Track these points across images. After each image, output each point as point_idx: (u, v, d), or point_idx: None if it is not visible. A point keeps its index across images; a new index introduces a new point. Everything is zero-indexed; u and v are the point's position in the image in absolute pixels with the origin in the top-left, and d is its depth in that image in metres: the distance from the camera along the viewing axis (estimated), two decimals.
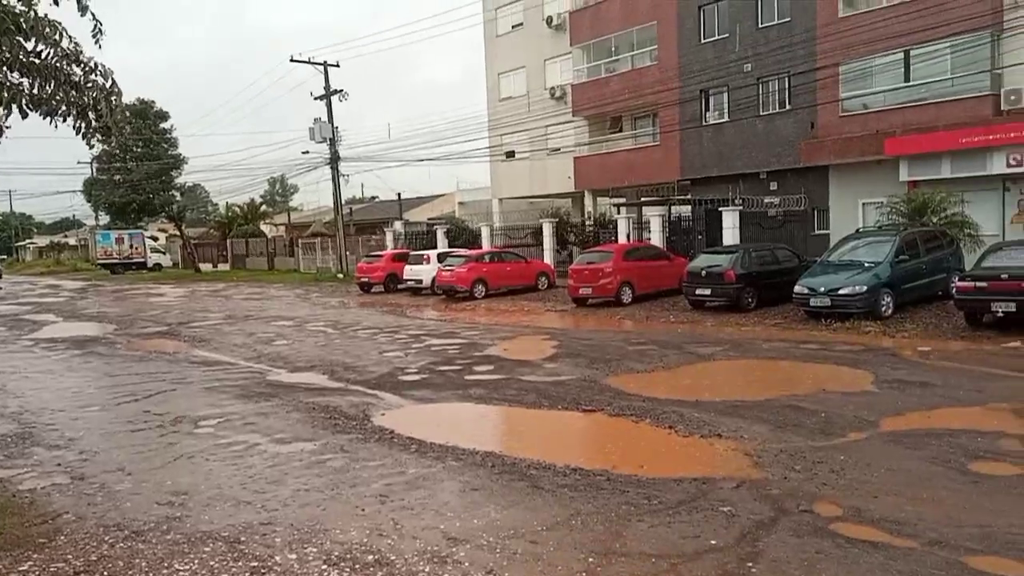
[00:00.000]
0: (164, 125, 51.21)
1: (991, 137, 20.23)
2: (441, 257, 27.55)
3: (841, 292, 15.75)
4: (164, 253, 60.93)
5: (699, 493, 6.30)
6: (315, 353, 14.88)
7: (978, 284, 13.88)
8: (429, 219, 42.37)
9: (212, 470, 7.35)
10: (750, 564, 4.95)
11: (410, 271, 28.12)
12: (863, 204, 23.81)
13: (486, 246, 31.16)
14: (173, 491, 6.71)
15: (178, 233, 57.52)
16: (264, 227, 62.10)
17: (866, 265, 16.17)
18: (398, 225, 38.36)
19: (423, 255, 28.67)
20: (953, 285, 14.85)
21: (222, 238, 57.50)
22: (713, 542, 5.31)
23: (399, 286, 28.89)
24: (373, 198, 74.24)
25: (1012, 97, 20.22)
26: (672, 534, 5.47)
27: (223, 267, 54.17)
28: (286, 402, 10.29)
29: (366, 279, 30.05)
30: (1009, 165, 20.14)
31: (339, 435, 8.47)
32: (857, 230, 19.69)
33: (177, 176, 52.41)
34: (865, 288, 15.60)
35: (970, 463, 6.86)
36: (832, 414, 8.73)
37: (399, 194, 51.16)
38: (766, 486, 6.42)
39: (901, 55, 22.30)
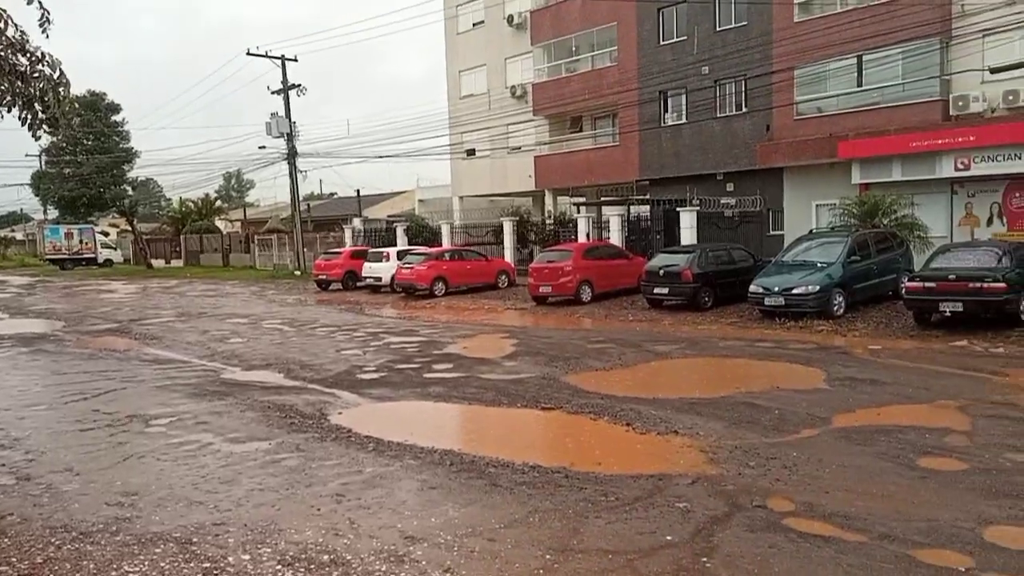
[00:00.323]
0: (116, 118, 50.07)
1: (940, 141, 20.81)
2: (401, 254, 27.38)
3: (795, 292, 16.05)
4: (115, 249, 59.47)
5: (655, 489, 6.36)
6: (271, 351, 14.67)
7: (927, 284, 14.26)
8: (389, 216, 42.08)
9: (163, 470, 7.19)
10: (704, 559, 5.01)
11: (369, 268, 27.89)
12: (817, 205, 24.30)
13: (446, 244, 31.07)
14: (123, 491, 6.55)
15: (130, 228, 56.22)
16: (219, 223, 61.10)
17: (819, 265, 16.50)
18: (357, 222, 38.02)
19: (383, 252, 28.46)
20: (903, 285, 15.23)
21: (175, 234, 56.40)
22: (669, 538, 5.36)
23: (358, 284, 28.65)
24: (332, 194, 73.53)
25: (960, 103, 20.81)
26: (628, 530, 5.51)
27: (176, 263, 53.12)
28: (240, 401, 10.13)
29: (324, 276, 29.74)
30: (957, 169, 20.74)
31: (295, 434, 8.36)
32: (810, 231, 20.11)
33: (129, 170, 51.27)
34: (818, 288, 15.93)
35: (918, 459, 7.04)
36: (785, 411, 8.89)
37: (358, 191, 50.72)
38: (721, 482, 6.51)
39: (854, 60, 22.80)
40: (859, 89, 23.03)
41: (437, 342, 15.28)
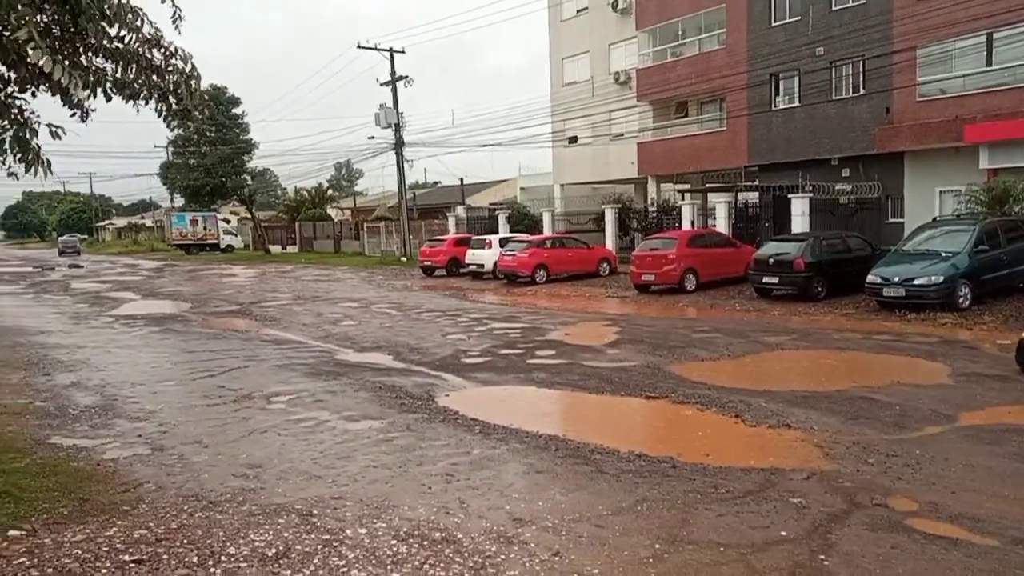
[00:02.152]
0: (236, 111, 52.57)
1: None
2: (503, 242, 27.62)
3: (916, 282, 15.22)
4: (236, 235, 62.68)
5: (768, 483, 6.19)
6: (380, 334, 15.13)
7: None
8: (491, 204, 42.50)
9: (284, 444, 7.55)
10: (822, 557, 4.85)
11: (472, 255, 28.29)
12: (940, 192, 22.91)
13: (547, 231, 31.11)
14: (248, 464, 6.92)
15: (249, 216, 59.05)
16: (331, 211, 63.26)
17: (943, 255, 15.59)
18: (460, 210, 38.60)
19: (485, 240, 28.79)
20: None
21: (291, 221, 58.77)
22: (783, 533, 5.22)
23: (461, 270, 29.12)
24: (436, 183, 74.84)
25: None
26: (741, 523, 5.40)
27: (291, 249, 55.42)
28: (354, 381, 10.50)
29: (429, 263, 30.39)
30: None
31: (405, 414, 8.61)
32: (934, 219, 18.97)
33: (248, 160, 53.82)
34: (942, 278, 15.05)
35: None
36: (907, 407, 8.46)
37: (461, 179, 51.44)
38: (838, 478, 6.28)
39: (983, 38, 21.31)
40: (988, 69, 21.51)
41: (539, 328, 15.36)
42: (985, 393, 9.11)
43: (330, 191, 68.13)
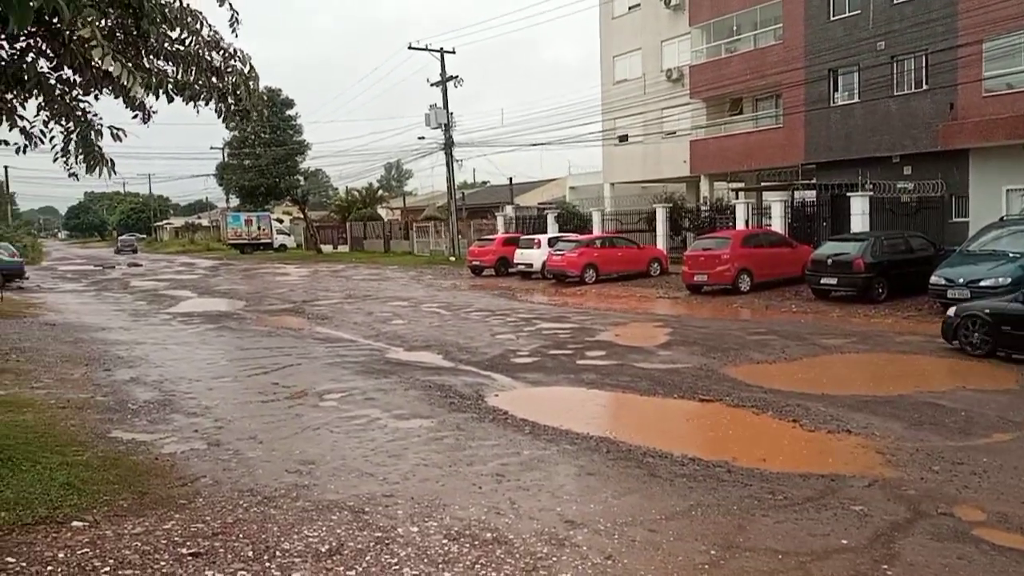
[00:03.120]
0: (290, 112, 53.48)
1: None
2: (552, 242, 27.53)
3: (983, 284, 14.64)
4: (289, 234, 63.81)
5: (827, 490, 6.01)
6: (430, 333, 15.20)
7: None
8: (540, 203, 42.43)
9: (336, 442, 7.62)
10: (885, 567, 4.68)
11: (521, 255, 28.26)
12: (1007, 191, 22.04)
13: (597, 231, 30.91)
14: (301, 460, 6.99)
15: (302, 215, 60.06)
16: (381, 211, 63.93)
17: (1011, 256, 14.98)
18: (509, 209, 38.62)
19: (534, 239, 28.73)
20: None
21: (342, 221, 59.58)
22: (844, 542, 5.05)
23: (509, 270, 29.11)
24: (485, 183, 75.03)
25: None
26: (799, 531, 5.24)
27: (342, 249, 56.19)
28: (404, 379, 10.56)
29: (477, 262, 30.46)
30: None
31: (455, 413, 8.61)
32: (1001, 218, 18.24)
33: (301, 161, 54.73)
34: (1010, 280, 14.43)
35: None
36: (973, 413, 8.15)
37: (510, 179, 51.49)
38: (901, 486, 6.06)
39: None
40: None
41: (588, 329, 15.25)
42: None
43: (380, 191, 68.85)
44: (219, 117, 6.76)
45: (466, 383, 10.28)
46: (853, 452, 7.04)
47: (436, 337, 14.63)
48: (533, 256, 27.63)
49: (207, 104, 6.85)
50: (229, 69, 6.83)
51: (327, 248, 56.79)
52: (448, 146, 39.96)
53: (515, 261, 28.55)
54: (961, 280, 14.94)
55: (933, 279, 15.43)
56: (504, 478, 6.38)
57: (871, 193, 22.22)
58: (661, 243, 28.98)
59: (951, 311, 12.35)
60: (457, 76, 39.40)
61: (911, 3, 23.67)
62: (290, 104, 53.56)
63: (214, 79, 6.88)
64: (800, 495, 5.91)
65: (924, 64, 23.60)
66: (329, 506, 5.80)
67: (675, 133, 32.96)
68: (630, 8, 35.71)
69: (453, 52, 40.17)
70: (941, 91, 23.04)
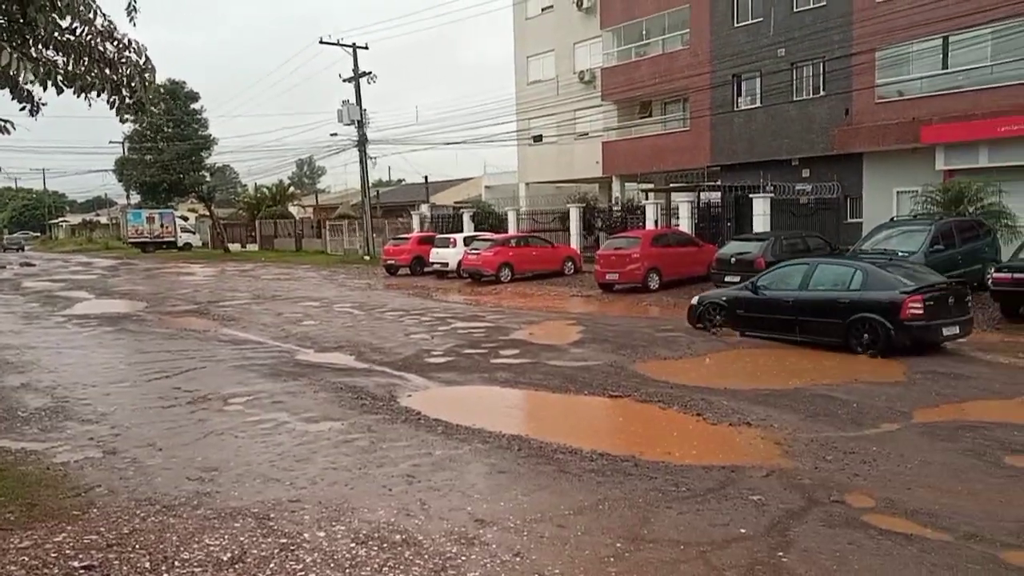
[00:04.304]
0: (195, 106, 51.62)
1: None
2: (467, 240, 27.52)
3: None
4: (193, 233, 61.61)
5: (728, 481, 6.24)
6: (342, 334, 14.96)
7: (1015, 275, 13.60)
8: (456, 202, 42.35)
9: (241, 447, 7.41)
10: (780, 553, 4.89)
11: (436, 254, 28.15)
12: (897, 193, 23.34)
13: (512, 230, 31.09)
14: (203, 467, 6.77)
15: (207, 213, 58.09)
16: (292, 208, 62.48)
17: (900, 255, 15.87)
18: (425, 208, 38.40)
19: (449, 238, 28.67)
20: (989, 276, 14.54)
21: (250, 219, 57.95)
22: (743, 530, 5.25)
23: (425, 269, 28.97)
24: (400, 181, 74.47)
25: None
26: (701, 521, 5.42)
27: (252, 247, 54.65)
28: (314, 382, 10.36)
29: (393, 261, 30.18)
30: None
31: (366, 415, 8.50)
32: (891, 219, 19.33)
33: (207, 156, 52.85)
34: None
35: (1006, 456, 6.75)
36: (864, 404, 8.61)
37: (426, 177, 51.24)
38: (797, 475, 6.35)
39: (939, 41, 21.77)
40: (944, 71, 22.00)
41: (503, 328, 15.33)
42: (940, 390, 9.30)
43: (292, 188, 67.31)
44: (112, 110, 6.47)
45: (379, 384, 10.17)
46: (753, 444, 7.32)
47: (348, 338, 14.41)
48: (449, 255, 27.56)
49: (99, 96, 6.55)
50: (123, 60, 6.55)
51: (235, 247, 55.12)
52: (362, 143, 39.40)
53: (431, 260, 28.42)
54: None
55: None
56: (415, 479, 6.35)
57: (772, 195, 23.17)
58: (575, 242, 29.38)
59: (695, 299, 14.74)
60: (371, 72, 38.92)
61: (810, 12, 24.77)
62: (195, 97, 51.68)
63: (107, 70, 6.59)
64: (702, 486, 6.11)
65: (822, 71, 24.73)
66: (232, 513, 5.64)
67: (588, 134, 33.46)
68: (543, 9, 36.04)
69: (366, 48, 39.79)
70: (837, 97, 24.21)
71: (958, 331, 11.87)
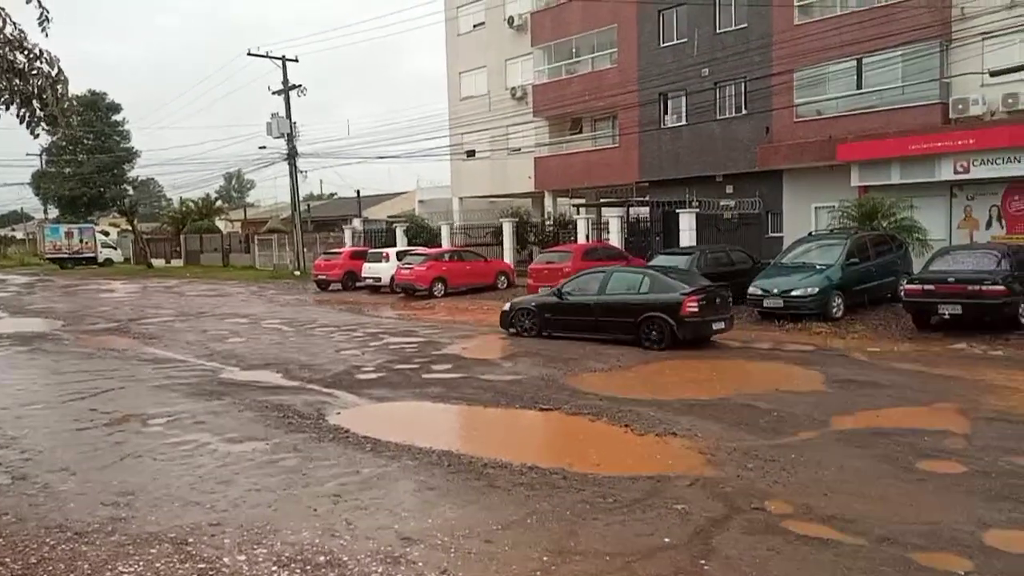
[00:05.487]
0: (116, 117, 50.09)
1: (939, 144, 20.77)
2: (400, 255, 27.35)
3: (793, 294, 16.03)
4: (115, 248, 59.43)
5: (654, 491, 6.34)
6: (270, 351, 14.65)
7: (926, 287, 14.26)
8: (389, 217, 42.05)
9: (160, 470, 7.16)
10: (703, 562, 4.99)
11: (369, 269, 27.87)
12: (816, 208, 24.27)
13: (446, 245, 31.05)
14: (119, 491, 6.52)
15: (130, 228, 56.18)
16: (219, 223, 61.03)
17: (818, 267, 16.49)
18: (357, 222, 38.00)
19: (382, 253, 28.43)
20: (902, 288, 15.21)
21: (176, 233, 56.34)
22: (667, 540, 5.34)
23: (357, 284, 28.63)
24: (332, 195, 73.61)
25: (960, 106, 20.79)
26: (627, 532, 5.49)
27: (176, 263, 53.06)
28: (238, 401, 10.10)
29: (324, 276, 29.72)
30: (956, 172, 20.71)
31: (293, 434, 8.33)
32: (809, 233, 20.08)
33: (130, 169, 51.32)
34: (817, 290, 15.91)
35: (917, 461, 7.03)
36: (784, 413, 8.87)
37: (358, 191, 50.73)
38: (720, 484, 6.49)
39: (854, 63, 22.79)
40: (858, 92, 23.03)
41: (436, 343, 15.26)
42: (856, 399, 9.66)
43: (219, 202, 65.78)
44: (21, 123, 6.24)
45: (306, 402, 9.98)
46: (678, 453, 7.47)
47: (276, 355, 14.12)
48: (382, 270, 27.32)
49: (8, 108, 6.31)
50: (34, 71, 6.33)
51: (159, 263, 53.41)
52: (291, 156, 38.76)
53: (363, 275, 28.12)
54: (775, 290, 16.27)
55: (751, 289, 16.70)
56: (341, 498, 6.25)
57: (698, 210, 23.79)
58: (508, 257, 29.52)
59: (506, 305, 16.45)
60: (301, 85, 38.37)
61: (732, 34, 25.62)
62: (117, 108, 50.17)
63: (17, 81, 6.36)
64: (629, 497, 6.19)
65: (744, 91, 25.58)
66: (148, 539, 5.44)
67: (520, 150, 33.72)
68: (475, 26, 36.26)
69: (295, 60, 39.22)
70: (758, 116, 25.05)
71: (724, 326, 14.21)
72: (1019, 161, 19.65)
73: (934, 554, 5.06)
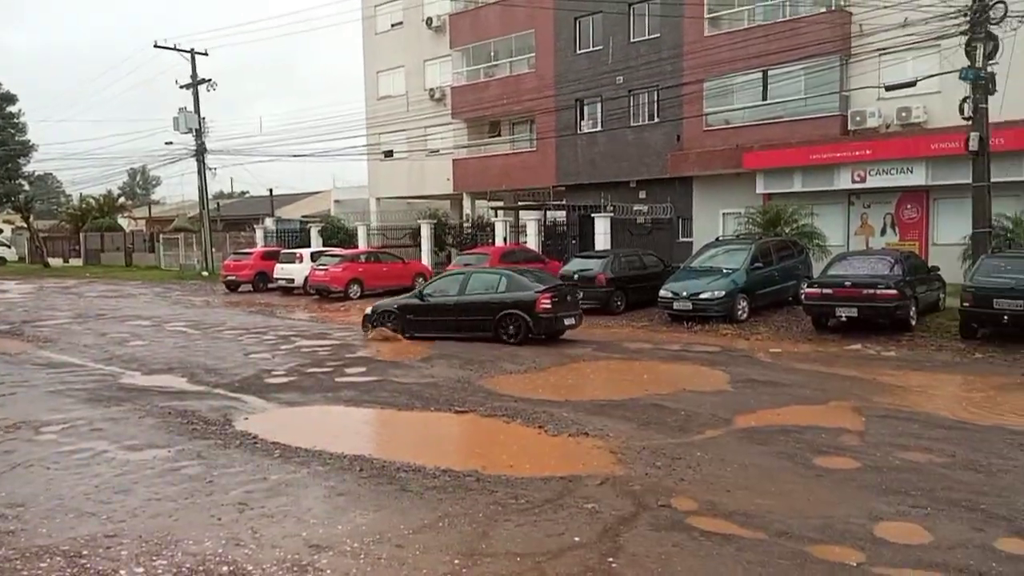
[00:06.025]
0: (11, 108, 47.18)
1: (838, 155, 21.87)
2: (315, 256, 26.82)
3: (701, 296, 16.54)
4: (9, 246, 56.19)
5: (565, 491, 6.42)
6: (174, 355, 14.12)
7: (824, 291, 14.94)
8: (303, 217, 41.16)
9: (53, 479, 6.80)
10: (611, 559, 5.08)
11: (281, 270, 27.22)
12: (723, 214, 25.13)
13: (362, 246, 30.64)
14: (8, 503, 6.16)
15: (25, 225, 53.11)
16: (122, 220, 58.50)
17: (724, 271, 17.05)
18: (269, 222, 37.02)
19: (295, 253, 27.82)
20: (802, 291, 15.92)
21: (75, 232, 53.69)
22: (577, 539, 5.42)
23: (269, 286, 27.91)
24: (243, 193, 71.53)
25: (857, 118, 21.91)
26: (538, 532, 5.54)
27: (75, 263, 50.53)
28: (139, 407, 9.69)
29: (233, 277, 28.84)
30: (854, 181, 21.84)
31: (196, 441, 8.06)
32: (717, 238, 20.76)
33: (25, 164, 48.37)
34: (723, 293, 16.46)
35: (814, 458, 7.35)
36: (691, 412, 9.14)
37: (271, 190, 49.51)
38: (628, 482, 6.63)
39: (760, 75, 23.69)
40: (764, 103, 23.95)
41: (351, 345, 15.04)
42: (758, 397, 10.03)
43: (122, 199, 63.05)
44: None
45: (212, 407, 9.66)
46: (589, 453, 7.59)
47: (181, 359, 13.61)
48: (295, 271, 26.73)
49: None
50: None
51: (56, 262, 50.75)
52: (200, 153, 37.47)
53: (275, 276, 27.43)
54: (684, 293, 16.75)
55: (662, 292, 17.15)
56: (247, 506, 6.07)
57: (612, 214, 24.26)
58: (426, 258, 29.37)
59: (369, 308, 16.60)
60: (211, 80, 37.17)
61: (645, 43, 26.24)
62: (12, 99, 47.22)
63: None
64: (540, 497, 6.25)
65: (656, 99, 26.24)
66: (39, 552, 5.16)
67: (439, 151, 33.61)
68: (393, 25, 35.92)
69: (205, 54, 37.85)
70: (670, 124, 25.75)
71: (574, 321, 15.22)
72: (911, 172, 20.89)
73: (828, 547, 5.29)
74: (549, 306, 14.53)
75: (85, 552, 5.18)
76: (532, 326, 14.46)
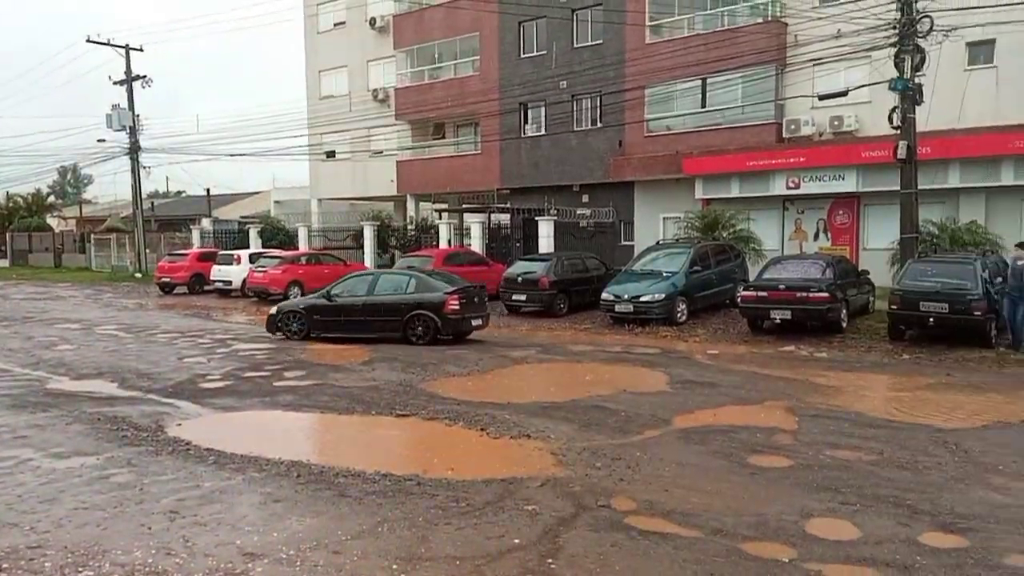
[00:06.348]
0: None
1: (774, 162, 22.47)
2: (253, 257, 26.28)
3: (642, 299, 16.78)
4: None
5: (506, 493, 6.42)
6: (104, 359, 13.66)
7: (759, 294, 15.32)
8: (242, 217, 40.31)
9: None
10: (550, 560, 5.11)
11: (218, 272, 26.60)
12: (664, 218, 25.56)
13: (303, 247, 30.15)
14: None
15: None
16: (51, 220, 56.52)
17: (664, 275, 17.33)
18: (206, 222, 36.15)
19: (233, 255, 27.21)
20: (739, 294, 16.26)
21: (1, 232, 51.56)
22: (517, 541, 5.42)
23: (206, 288, 27.26)
24: (180, 193, 69.72)
25: (792, 126, 22.55)
26: (478, 535, 5.53)
27: (1, 264, 48.52)
28: (67, 413, 9.35)
29: (168, 279, 28.07)
30: (788, 187, 22.46)
31: (127, 448, 7.81)
32: (657, 242, 21.09)
33: None
34: (663, 296, 16.73)
35: (749, 457, 7.51)
36: (631, 413, 9.25)
37: (208, 190, 48.33)
38: (569, 483, 6.67)
39: (699, 82, 24.18)
40: (703, 110, 24.45)
41: (289, 348, 14.78)
42: (696, 398, 10.22)
43: (51, 198, 60.78)
44: None
45: (144, 413, 9.38)
46: (531, 455, 7.61)
47: (111, 363, 13.18)
48: (232, 273, 26.14)
49: None
50: None
51: None
52: (134, 151, 36.40)
53: (212, 278, 26.79)
54: (626, 296, 16.97)
55: (604, 295, 17.35)
56: (179, 515, 5.91)
57: (556, 218, 24.42)
58: (369, 261, 29.04)
59: (273, 309, 16.39)
60: (146, 76, 36.16)
61: (588, 49, 26.52)
62: None
63: None
64: (481, 500, 6.24)
65: (599, 104, 26.54)
66: None
67: (383, 152, 33.32)
68: (335, 24, 35.50)
69: (140, 50, 36.82)
70: (612, 129, 26.07)
71: (481, 323, 15.55)
72: (843, 179, 21.58)
73: (762, 543, 5.42)
74: (457, 307, 14.74)
75: (5, 565, 4.97)
76: (440, 327, 14.65)
